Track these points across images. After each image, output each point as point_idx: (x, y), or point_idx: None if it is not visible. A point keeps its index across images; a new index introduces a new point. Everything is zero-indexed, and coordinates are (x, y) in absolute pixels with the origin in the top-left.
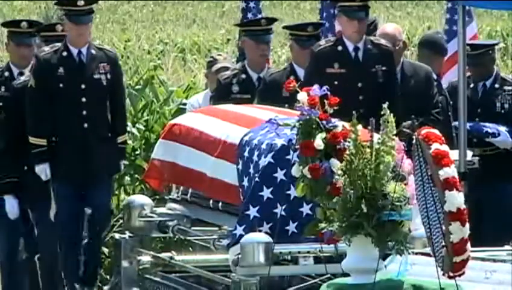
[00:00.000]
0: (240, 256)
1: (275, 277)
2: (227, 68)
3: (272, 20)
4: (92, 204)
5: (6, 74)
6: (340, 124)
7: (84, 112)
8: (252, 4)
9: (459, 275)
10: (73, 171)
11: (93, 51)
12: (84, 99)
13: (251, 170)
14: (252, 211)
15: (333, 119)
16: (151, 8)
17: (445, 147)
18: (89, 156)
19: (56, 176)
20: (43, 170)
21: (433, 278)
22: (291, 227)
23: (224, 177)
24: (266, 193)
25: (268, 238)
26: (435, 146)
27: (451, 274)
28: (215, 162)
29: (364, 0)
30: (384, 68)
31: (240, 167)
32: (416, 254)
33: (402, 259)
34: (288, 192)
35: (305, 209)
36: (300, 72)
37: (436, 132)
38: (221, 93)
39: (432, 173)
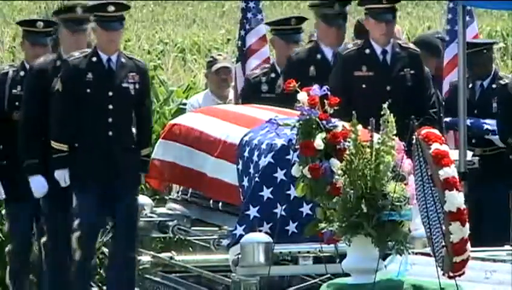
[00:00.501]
0: (240, 256)
1: (275, 277)
2: (227, 68)
3: (301, 20)
4: (118, 217)
5: (22, 73)
6: (340, 124)
7: (110, 120)
8: (251, 4)
9: (459, 275)
10: (95, 178)
11: (123, 60)
12: (110, 107)
13: (251, 170)
14: (252, 211)
15: (333, 119)
16: (151, 8)
17: (445, 147)
18: (112, 165)
19: (78, 183)
20: (62, 176)
21: (433, 278)
22: (291, 227)
23: (224, 177)
24: (266, 193)
25: (268, 238)
26: (434, 146)
27: (451, 274)
28: (215, 162)
29: (391, 2)
30: (412, 72)
31: (240, 167)
32: (416, 254)
33: (402, 259)
34: (288, 192)
35: (305, 209)
36: (327, 51)
37: (436, 132)
38: (250, 92)
39: (432, 173)
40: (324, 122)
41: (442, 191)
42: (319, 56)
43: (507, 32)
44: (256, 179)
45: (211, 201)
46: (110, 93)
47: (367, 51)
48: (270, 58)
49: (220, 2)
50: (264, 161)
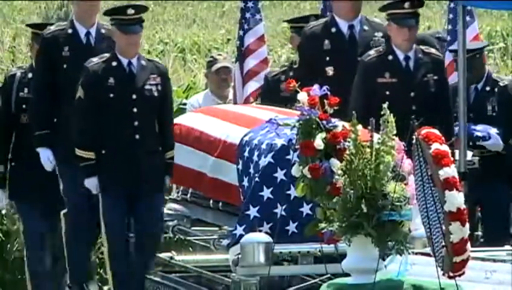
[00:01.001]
0: (240, 256)
1: (275, 277)
2: (227, 68)
3: (319, 18)
4: (141, 221)
5: (30, 75)
6: (340, 124)
7: (136, 123)
8: (250, 4)
9: (459, 275)
10: (121, 182)
11: (143, 62)
12: (135, 110)
13: (251, 170)
14: (252, 211)
15: (333, 119)
16: (151, 8)
17: (445, 147)
18: (138, 168)
19: (104, 187)
20: (92, 184)
21: (433, 278)
22: (291, 227)
23: (224, 177)
24: (266, 193)
25: (268, 238)
26: (435, 146)
27: (451, 274)
28: (215, 162)
29: (414, 7)
30: (435, 77)
31: (240, 167)
32: (416, 254)
33: (402, 259)
34: (288, 192)
35: (305, 209)
36: (342, 24)
37: (436, 132)
38: (269, 91)
39: (432, 173)
40: (324, 122)
41: (442, 191)
42: (333, 29)
43: (507, 32)
44: (256, 179)
45: (211, 201)
46: (134, 96)
47: (389, 57)
48: (268, 58)
49: (220, 2)
50: (264, 161)
